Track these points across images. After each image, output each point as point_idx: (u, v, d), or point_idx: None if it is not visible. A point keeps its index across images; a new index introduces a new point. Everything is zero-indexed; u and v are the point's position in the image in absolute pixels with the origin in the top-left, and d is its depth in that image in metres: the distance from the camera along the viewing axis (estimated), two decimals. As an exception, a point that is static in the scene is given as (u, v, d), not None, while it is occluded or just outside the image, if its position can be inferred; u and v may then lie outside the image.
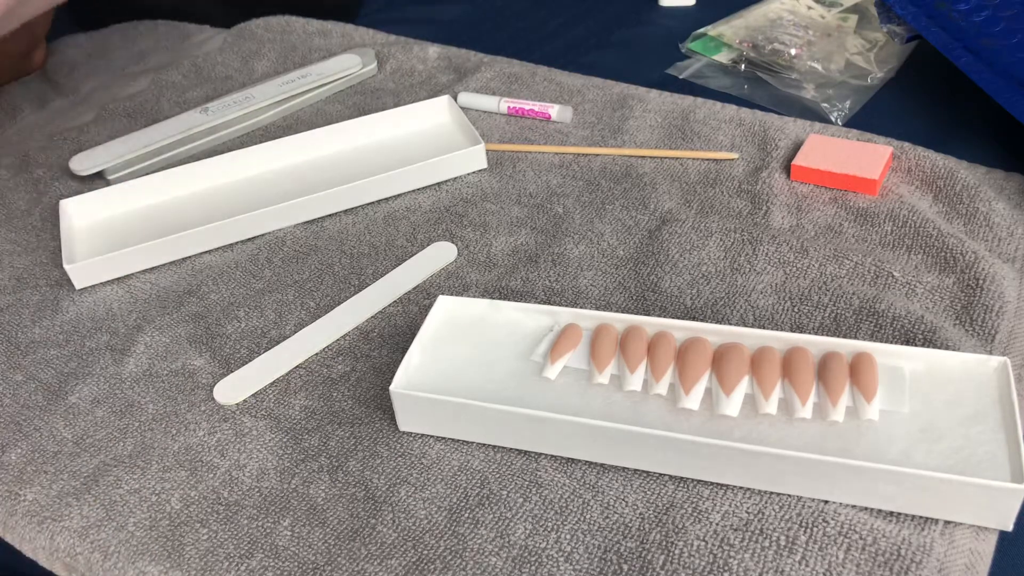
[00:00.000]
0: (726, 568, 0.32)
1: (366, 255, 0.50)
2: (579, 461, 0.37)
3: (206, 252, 0.51)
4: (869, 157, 0.50)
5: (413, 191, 0.54)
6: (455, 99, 0.61)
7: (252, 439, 0.39)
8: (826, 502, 0.34)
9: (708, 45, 0.65)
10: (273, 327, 0.46)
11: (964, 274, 0.43)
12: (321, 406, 0.41)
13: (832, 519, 0.33)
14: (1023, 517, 0.33)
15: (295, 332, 0.45)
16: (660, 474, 0.36)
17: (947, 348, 0.39)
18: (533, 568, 0.33)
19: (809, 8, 0.66)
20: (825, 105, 0.58)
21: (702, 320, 0.43)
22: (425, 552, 0.34)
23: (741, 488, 0.35)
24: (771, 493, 0.35)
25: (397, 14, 0.75)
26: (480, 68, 0.65)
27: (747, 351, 0.38)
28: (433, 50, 0.68)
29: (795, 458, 0.33)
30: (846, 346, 0.38)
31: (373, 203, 0.54)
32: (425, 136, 0.58)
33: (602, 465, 0.37)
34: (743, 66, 0.63)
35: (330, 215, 0.53)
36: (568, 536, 0.34)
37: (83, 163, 0.58)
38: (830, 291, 0.44)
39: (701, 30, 0.66)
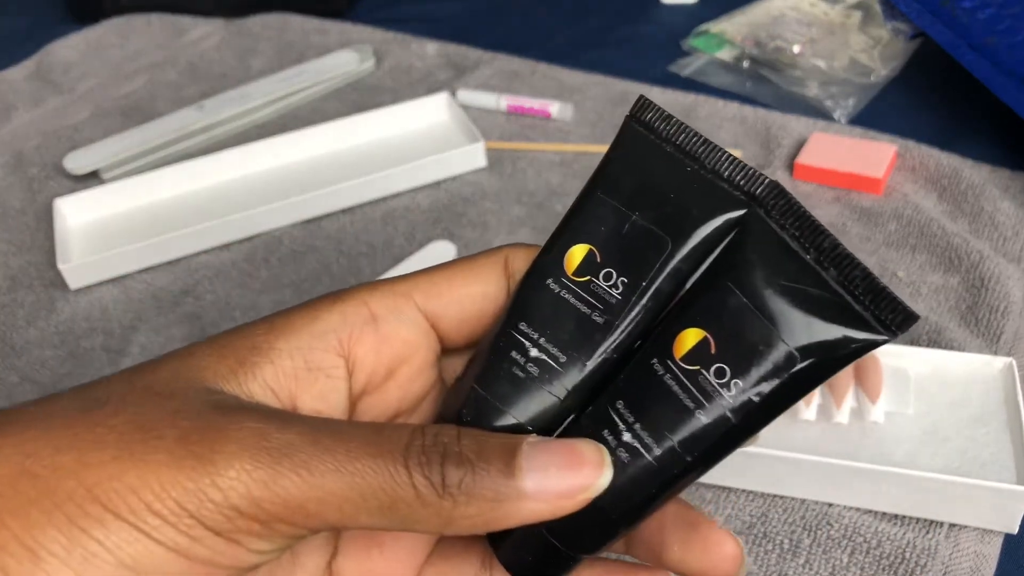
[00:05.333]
0: (729, 572, 0.32)
1: (364, 255, 0.49)
2: (580, 463, 0.36)
3: (202, 252, 0.51)
4: (873, 155, 0.50)
5: (411, 190, 0.53)
6: (454, 96, 0.60)
7: (248, 441, 0.39)
8: (830, 505, 0.34)
9: (710, 42, 0.64)
10: (270, 327, 0.45)
11: (969, 274, 0.43)
12: (318, 407, 0.40)
13: (836, 522, 0.33)
14: (1030, 521, 0.33)
15: (292, 332, 0.44)
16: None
17: (952, 349, 0.39)
18: (533, 572, 0.33)
19: (812, 5, 0.65)
20: (828, 103, 0.57)
21: (704, 320, 0.43)
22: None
23: (744, 491, 0.35)
24: (775, 496, 0.34)
25: (395, 11, 0.75)
26: (479, 65, 0.64)
27: (750, 352, 0.37)
28: (431, 47, 0.67)
29: (799, 460, 0.33)
30: (850, 347, 0.37)
31: (371, 202, 0.53)
32: (423, 134, 0.57)
33: (603, 467, 0.36)
34: (746, 63, 0.62)
35: (327, 214, 0.52)
36: (569, 540, 0.34)
37: (77, 162, 0.57)
38: (833, 291, 0.43)
39: (703, 27, 0.65)
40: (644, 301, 0.19)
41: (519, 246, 0.21)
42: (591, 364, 0.19)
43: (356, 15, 0.74)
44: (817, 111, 0.57)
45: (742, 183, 0.19)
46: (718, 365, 0.18)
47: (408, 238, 0.50)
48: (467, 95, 0.60)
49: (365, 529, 0.18)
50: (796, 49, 0.61)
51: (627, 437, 0.19)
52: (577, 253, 0.20)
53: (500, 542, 0.20)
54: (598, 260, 0.19)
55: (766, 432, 0.36)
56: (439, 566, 0.22)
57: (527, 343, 0.20)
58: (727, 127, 0.55)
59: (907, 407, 0.35)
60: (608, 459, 0.18)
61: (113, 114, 0.64)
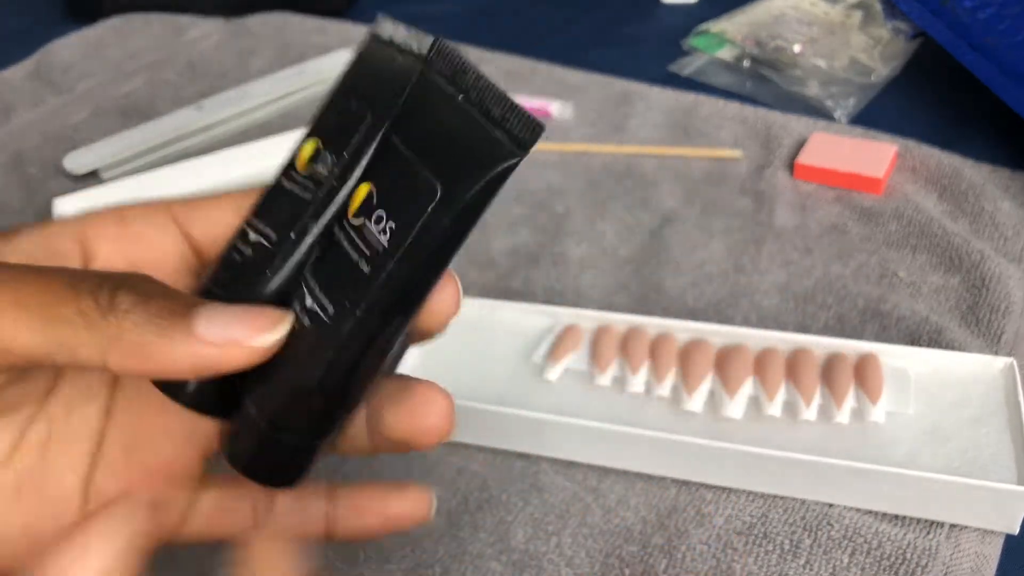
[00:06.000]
0: (729, 572, 0.32)
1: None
2: (580, 464, 0.36)
3: (202, 251, 0.51)
4: (873, 155, 0.50)
5: (412, 189, 0.53)
6: (454, 96, 0.60)
7: (248, 441, 0.39)
8: (831, 505, 0.34)
9: (711, 42, 0.64)
10: (270, 327, 0.45)
11: (970, 274, 0.43)
12: (318, 408, 0.40)
13: (837, 522, 0.33)
14: (1031, 521, 0.33)
15: (292, 332, 0.44)
16: (663, 477, 0.35)
17: (953, 349, 0.39)
18: (534, 573, 0.33)
19: (812, 4, 0.65)
20: (829, 102, 0.57)
21: (705, 321, 0.42)
22: (424, 556, 0.34)
23: (745, 491, 0.35)
24: (775, 496, 0.34)
25: (395, 10, 0.74)
26: (479, 64, 0.64)
27: (751, 352, 0.37)
28: (432, 47, 0.67)
29: (799, 461, 0.33)
30: (851, 347, 0.37)
31: (371, 201, 0.53)
32: (424, 134, 0.57)
33: (604, 468, 0.36)
34: (746, 63, 0.62)
35: (328, 214, 0.52)
36: (569, 540, 0.34)
37: (77, 161, 0.57)
38: (834, 291, 0.43)
39: (703, 26, 0.65)
40: (343, 175, 0.20)
41: None
42: (296, 236, 0.20)
43: (356, 15, 0.74)
44: (817, 111, 0.57)
45: (415, 48, 0.20)
46: (378, 213, 0.19)
47: (408, 238, 0.50)
48: (467, 95, 0.60)
49: (30, 356, 0.17)
50: (796, 49, 0.61)
51: (309, 302, 0.19)
52: (307, 149, 0.20)
53: (228, 441, 0.20)
54: (321, 149, 0.20)
55: (766, 433, 0.36)
56: (216, 489, 0.22)
57: (248, 230, 0.20)
58: (727, 127, 0.55)
59: (907, 407, 0.35)
60: (286, 317, 0.19)
61: (112, 114, 0.63)
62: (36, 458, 0.20)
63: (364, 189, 0.19)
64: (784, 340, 0.38)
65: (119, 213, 0.21)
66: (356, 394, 0.19)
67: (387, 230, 0.18)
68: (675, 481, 0.35)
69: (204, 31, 0.73)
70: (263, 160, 0.56)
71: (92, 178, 0.57)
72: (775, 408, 0.36)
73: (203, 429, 0.22)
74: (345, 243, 0.19)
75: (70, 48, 0.71)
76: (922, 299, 0.42)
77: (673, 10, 0.71)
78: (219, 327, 0.18)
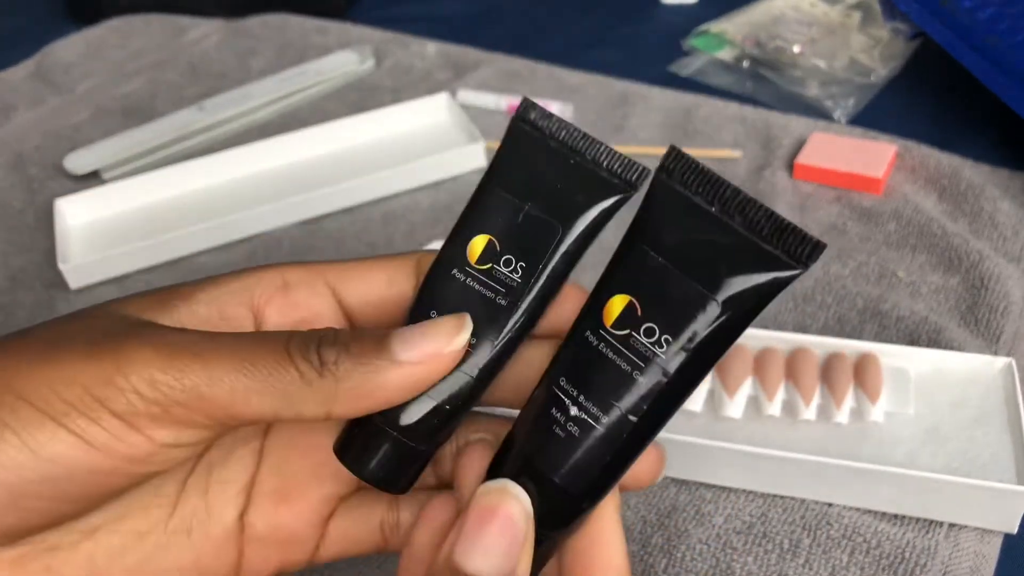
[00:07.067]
0: (729, 572, 0.32)
1: (364, 255, 0.49)
2: (580, 463, 0.36)
3: (202, 252, 0.51)
4: (873, 155, 0.50)
5: (411, 190, 0.53)
6: (454, 96, 0.60)
7: (249, 441, 0.39)
8: (830, 505, 0.34)
9: (710, 42, 0.64)
10: (270, 327, 0.45)
11: (969, 274, 0.43)
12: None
13: (836, 522, 0.33)
14: (1030, 521, 0.33)
15: (292, 332, 0.44)
16: (662, 477, 0.36)
17: (952, 349, 0.39)
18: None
19: (812, 5, 0.65)
20: (828, 103, 0.57)
21: (704, 320, 0.43)
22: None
23: (744, 491, 0.35)
24: (774, 496, 0.34)
25: (395, 11, 0.75)
26: (479, 65, 0.64)
27: (750, 352, 0.37)
28: (431, 47, 0.67)
29: (799, 460, 0.33)
30: (850, 347, 0.37)
31: (371, 202, 0.53)
32: (423, 134, 0.57)
33: (603, 467, 0.36)
34: (746, 63, 0.62)
35: (327, 214, 0.52)
36: (569, 540, 0.34)
37: (78, 162, 0.57)
38: (834, 291, 0.43)
39: (703, 27, 0.65)
40: (541, 282, 0.21)
41: (432, 251, 0.23)
42: (499, 343, 0.21)
43: (356, 15, 0.74)
44: (817, 111, 0.57)
45: (619, 171, 0.22)
46: (647, 325, 0.19)
47: (408, 238, 0.50)
48: (467, 95, 0.60)
49: (259, 418, 0.20)
50: (796, 49, 0.61)
51: (574, 411, 0.20)
52: (478, 243, 0.22)
53: None
54: (497, 249, 0.21)
55: (766, 432, 0.36)
56: (345, 518, 0.24)
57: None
58: (727, 127, 0.55)
59: (907, 407, 0.35)
60: (464, 317, 0.21)
61: (113, 114, 0.64)
62: (199, 501, 0.23)
63: (622, 300, 0.20)
64: (783, 340, 0.38)
65: (283, 281, 0.23)
66: (611, 489, 0.21)
67: (662, 342, 0.19)
68: (674, 481, 0.35)
69: (204, 32, 0.73)
70: (264, 161, 0.56)
71: (93, 178, 0.57)
72: (774, 408, 0.36)
73: (345, 473, 0.23)
74: (608, 352, 0.20)
75: (71, 48, 0.71)
76: (921, 299, 0.42)
77: (673, 10, 0.71)
78: (414, 347, 0.20)
